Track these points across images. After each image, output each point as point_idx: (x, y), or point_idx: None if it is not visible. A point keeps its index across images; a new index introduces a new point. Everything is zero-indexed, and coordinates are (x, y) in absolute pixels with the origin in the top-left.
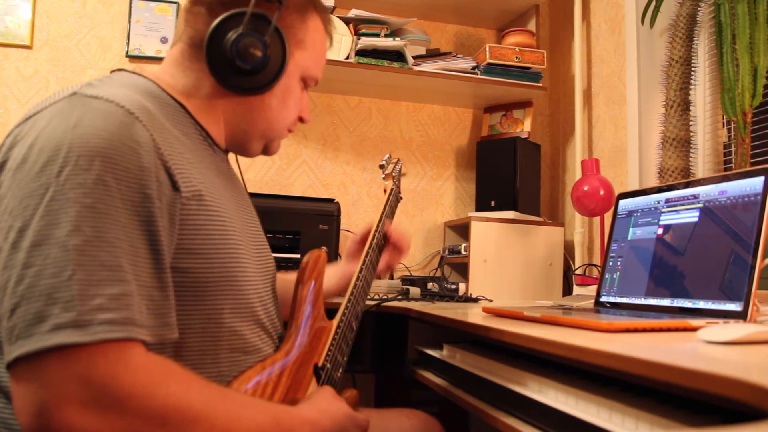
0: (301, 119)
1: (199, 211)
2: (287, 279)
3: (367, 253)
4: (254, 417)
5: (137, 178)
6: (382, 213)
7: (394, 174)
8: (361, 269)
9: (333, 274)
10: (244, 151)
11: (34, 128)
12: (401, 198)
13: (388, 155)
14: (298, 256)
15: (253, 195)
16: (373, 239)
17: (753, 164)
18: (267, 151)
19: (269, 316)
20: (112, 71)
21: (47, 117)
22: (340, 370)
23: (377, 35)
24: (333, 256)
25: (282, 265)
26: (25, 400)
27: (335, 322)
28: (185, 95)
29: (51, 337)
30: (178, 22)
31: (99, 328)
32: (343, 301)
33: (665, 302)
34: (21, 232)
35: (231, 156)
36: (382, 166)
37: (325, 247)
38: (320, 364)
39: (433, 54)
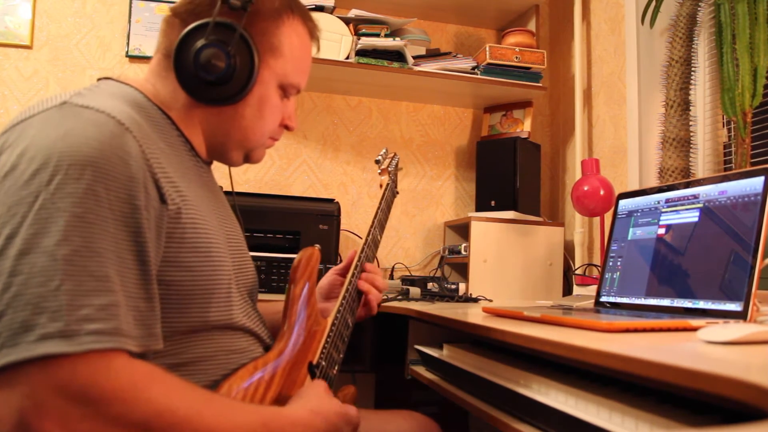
0: (286, 127)
1: (184, 225)
2: (271, 307)
3: (359, 257)
4: (241, 421)
5: (127, 188)
6: (378, 208)
7: (390, 169)
8: (357, 265)
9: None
10: (224, 160)
11: (23, 136)
12: (398, 193)
13: (384, 150)
14: None
15: (253, 195)
16: (365, 244)
17: (753, 164)
18: (249, 159)
19: (254, 324)
20: (99, 79)
21: (36, 125)
22: (336, 368)
23: (377, 35)
24: (334, 256)
25: (282, 265)
26: (4, 409)
27: (330, 319)
28: (167, 105)
29: (37, 347)
30: (159, 33)
31: (86, 338)
32: (338, 298)
33: (665, 302)
34: (9, 239)
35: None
36: (377, 161)
37: (318, 245)
38: (315, 361)
39: (433, 54)
